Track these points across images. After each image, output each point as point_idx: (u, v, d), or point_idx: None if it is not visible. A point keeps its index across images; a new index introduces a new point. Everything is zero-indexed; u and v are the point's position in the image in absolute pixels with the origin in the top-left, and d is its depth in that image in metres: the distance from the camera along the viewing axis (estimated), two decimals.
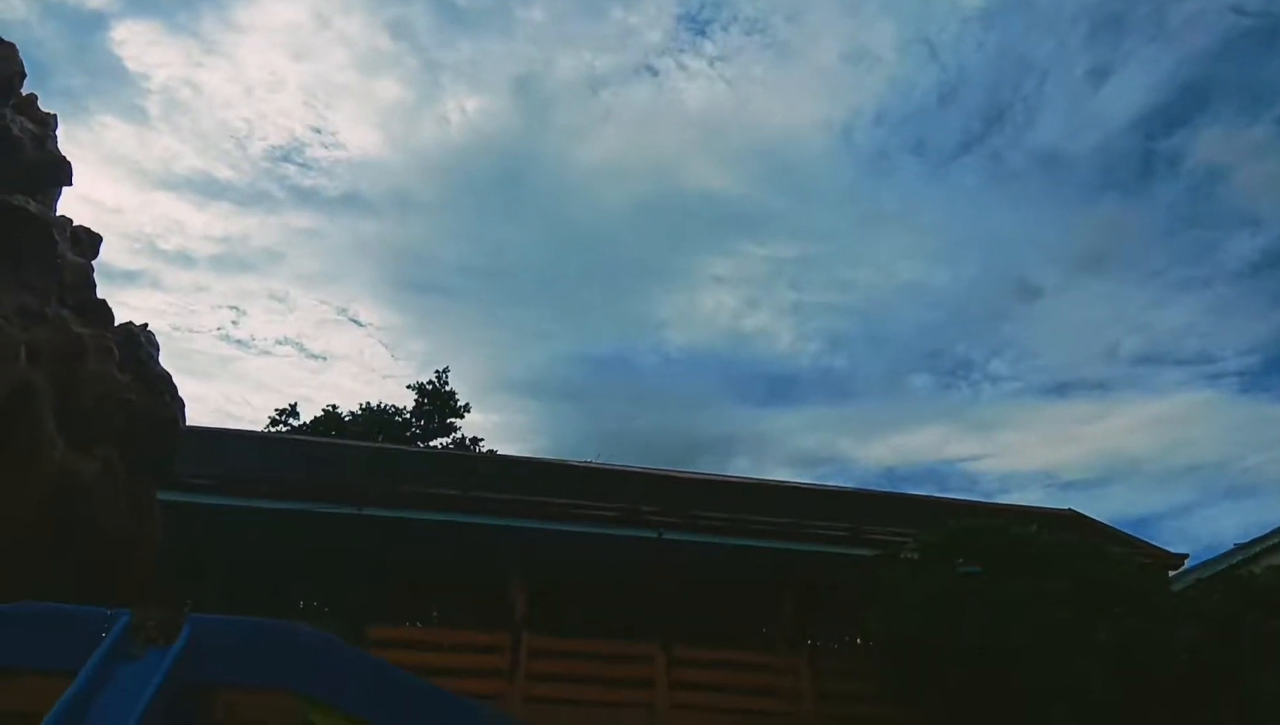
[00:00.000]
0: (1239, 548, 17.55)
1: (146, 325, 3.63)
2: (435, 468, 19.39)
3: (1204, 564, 17.08)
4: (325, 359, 59.64)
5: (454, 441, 33.82)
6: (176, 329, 51.72)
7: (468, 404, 34.94)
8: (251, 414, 68.22)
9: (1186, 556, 16.27)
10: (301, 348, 60.20)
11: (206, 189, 57.89)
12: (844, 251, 65.69)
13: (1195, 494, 62.69)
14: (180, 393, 3.72)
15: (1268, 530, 16.08)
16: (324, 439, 26.31)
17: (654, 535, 15.52)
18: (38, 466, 2.64)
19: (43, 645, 12.31)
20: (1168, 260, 61.29)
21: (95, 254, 3.39)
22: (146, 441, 3.35)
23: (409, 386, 34.77)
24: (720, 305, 63.01)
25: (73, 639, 12.19)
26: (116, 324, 3.40)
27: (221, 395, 54.59)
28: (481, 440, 34.42)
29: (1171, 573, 15.24)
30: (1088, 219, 58.36)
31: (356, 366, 58.90)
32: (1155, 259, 61.88)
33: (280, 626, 13.32)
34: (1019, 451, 61.46)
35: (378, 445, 22.62)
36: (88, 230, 3.34)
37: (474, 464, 20.91)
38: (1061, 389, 64.24)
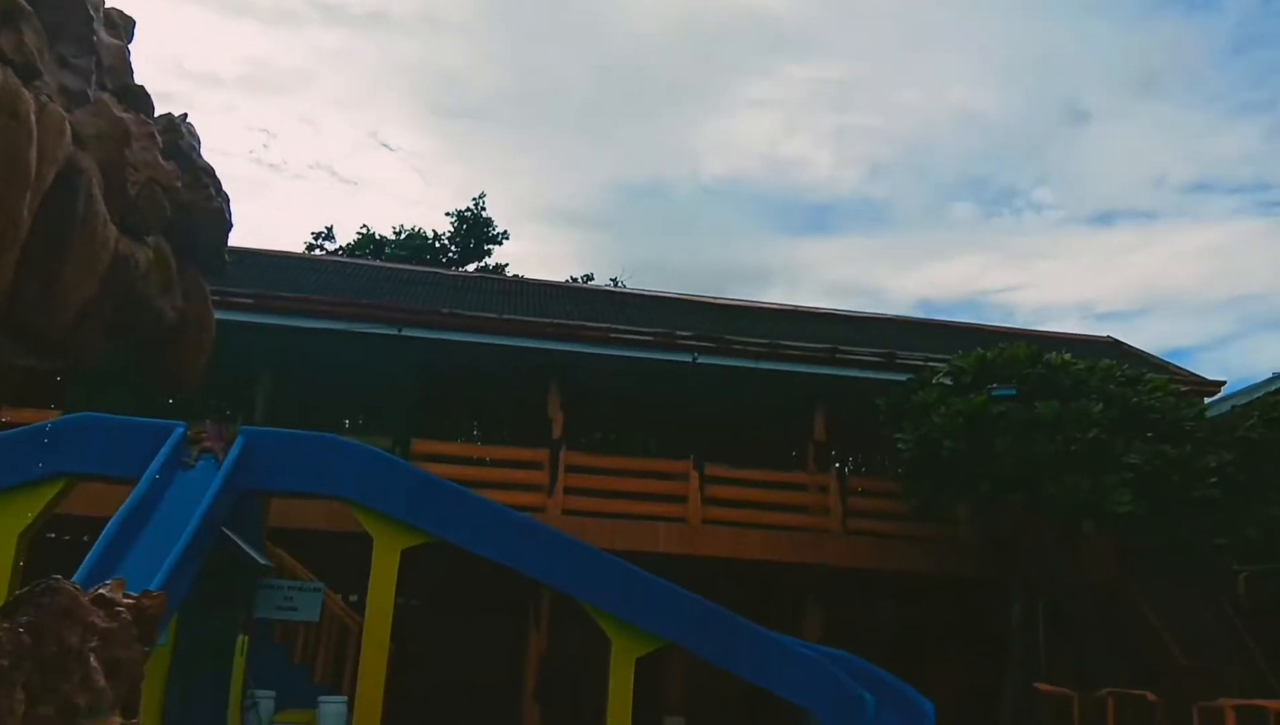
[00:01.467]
0: (1276, 376, 17.43)
1: (186, 115, 3.54)
2: (474, 291, 19.51)
3: (1240, 392, 17.03)
4: (357, 184, 59.19)
5: (489, 267, 33.91)
6: (208, 151, 51.28)
7: (505, 231, 34.82)
8: (287, 236, 68.53)
9: (1223, 383, 16.23)
10: (333, 172, 59.66)
11: (232, 4, 56.16)
12: (890, 73, 63.04)
13: (1237, 325, 61.87)
14: (225, 188, 3.67)
15: None
16: (363, 261, 26.47)
17: (689, 359, 15.67)
18: (94, 244, 2.63)
19: (105, 454, 12.82)
20: (1228, 83, 58.25)
21: (130, 38, 3.26)
22: (195, 233, 3.32)
23: (446, 213, 34.62)
24: (758, 130, 61.20)
25: (132, 448, 12.67)
26: (157, 114, 3.31)
27: (255, 217, 54.63)
28: (508, 266, 34.49)
29: (1207, 400, 15.22)
30: (1146, 37, 55.25)
31: (389, 192, 58.52)
32: (1214, 81, 58.85)
33: (329, 439, 13.75)
34: (1058, 281, 60.60)
35: (416, 268, 22.72)
36: (120, 12, 3.21)
37: (511, 287, 21.01)
38: (1106, 218, 62.63)
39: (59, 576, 2.35)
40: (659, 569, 14.05)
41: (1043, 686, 13.34)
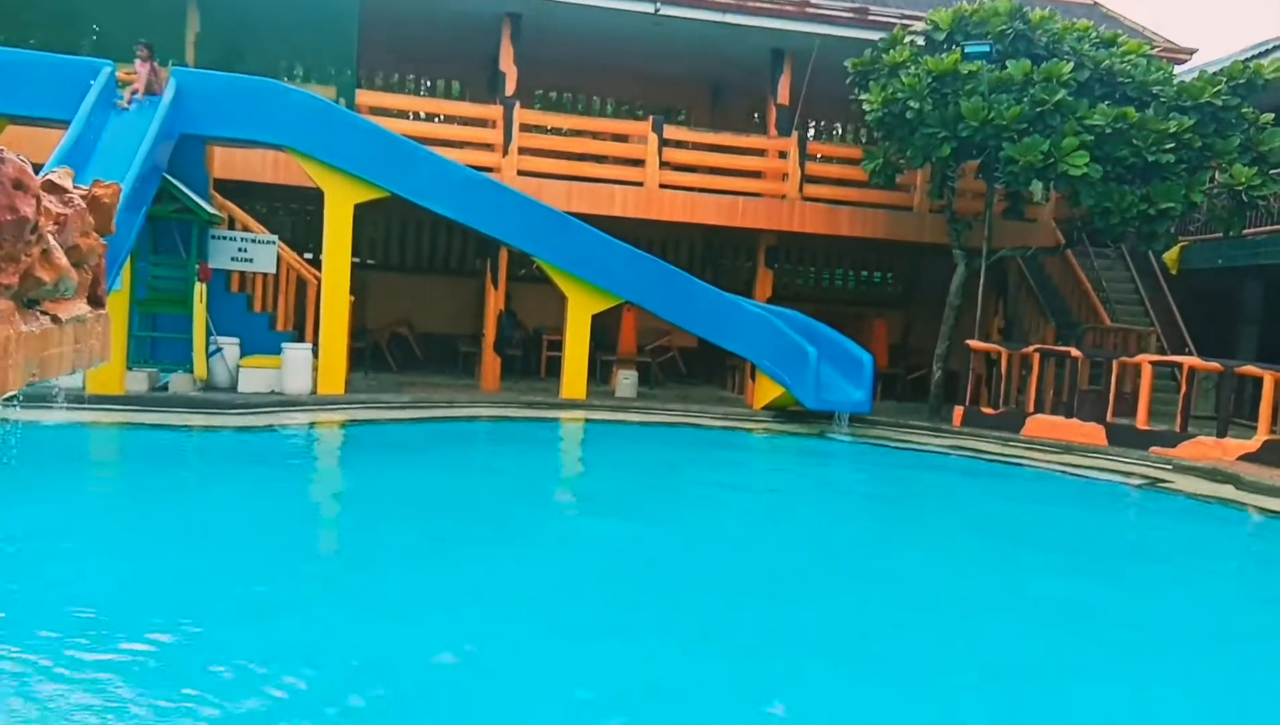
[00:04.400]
0: (1253, 46, 17.05)
1: None
2: None
3: (1212, 63, 16.70)
4: None
5: None
6: None
7: None
8: None
9: (1195, 50, 15.86)
10: None
11: None
12: None
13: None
14: None
15: None
16: None
17: (651, 9, 14.72)
18: None
19: (31, 93, 12.04)
20: None
21: None
22: None
23: None
24: None
25: (59, 87, 11.90)
26: None
27: None
28: None
29: (1177, 69, 14.89)
30: None
31: None
32: None
33: (271, 84, 13.04)
34: None
35: None
36: None
37: None
38: None
39: (3, 147, 2.19)
40: (615, 232, 14.13)
41: (974, 343, 14.12)
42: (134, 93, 11.69)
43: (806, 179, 15.69)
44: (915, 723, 4.30)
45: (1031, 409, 13.52)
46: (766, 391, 13.75)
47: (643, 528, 7.70)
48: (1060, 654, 5.31)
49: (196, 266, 12.29)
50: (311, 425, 11.16)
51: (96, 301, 2.82)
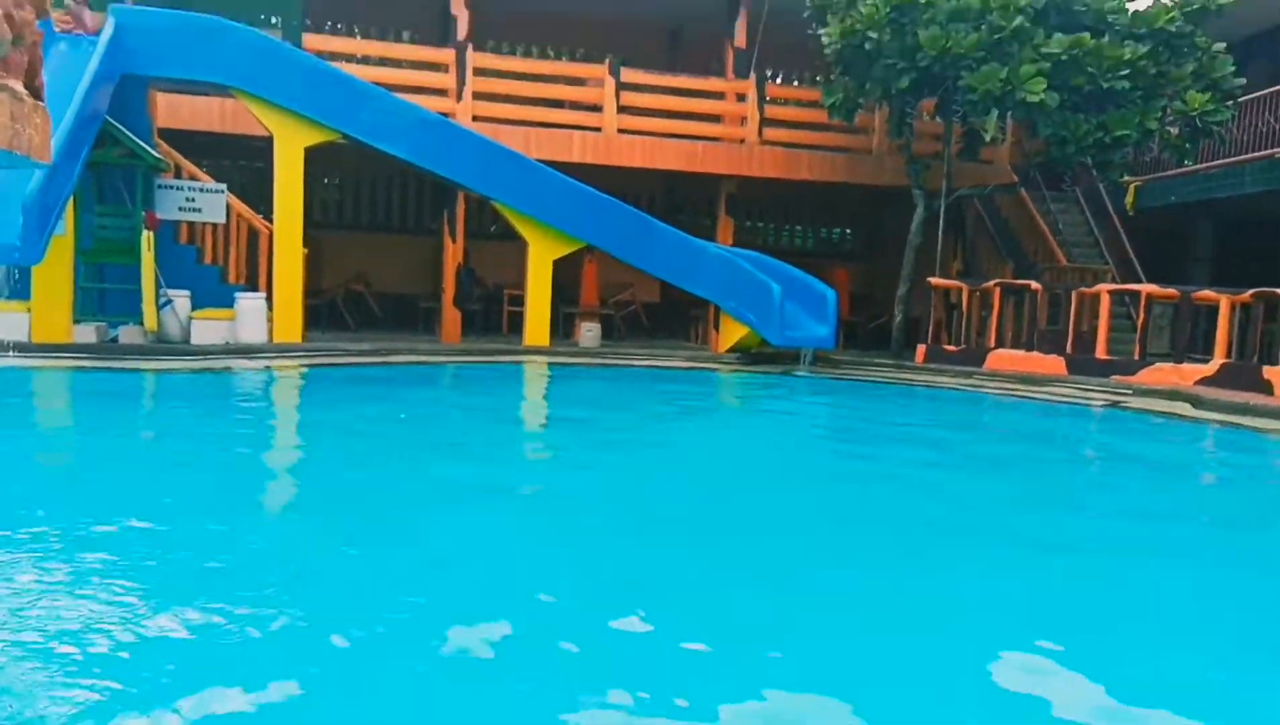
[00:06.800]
0: None
1: None
2: None
3: None
4: None
5: None
6: None
7: None
8: None
9: None
10: None
11: None
12: None
13: None
14: None
15: None
16: None
17: None
18: None
19: None
20: None
21: None
22: None
23: None
24: None
25: None
26: None
27: None
28: None
29: (1131, 4, 15.01)
30: None
31: None
32: None
33: (214, 21, 12.56)
34: None
35: None
36: None
37: None
38: None
39: None
40: (574, 178, 13.94)
41: (935, 280, 14.17)
42: (65, 32, 11.23)
43: (766, 122, 15.61)
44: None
45: (993, 344, 13.61)
46: (730, 334, 13.68)
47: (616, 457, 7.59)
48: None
49: (143, 214, 11.89)
50: (268, 368, 10.87)
51: (35, 92, 2.61)
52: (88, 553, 3.89)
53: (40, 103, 2.63)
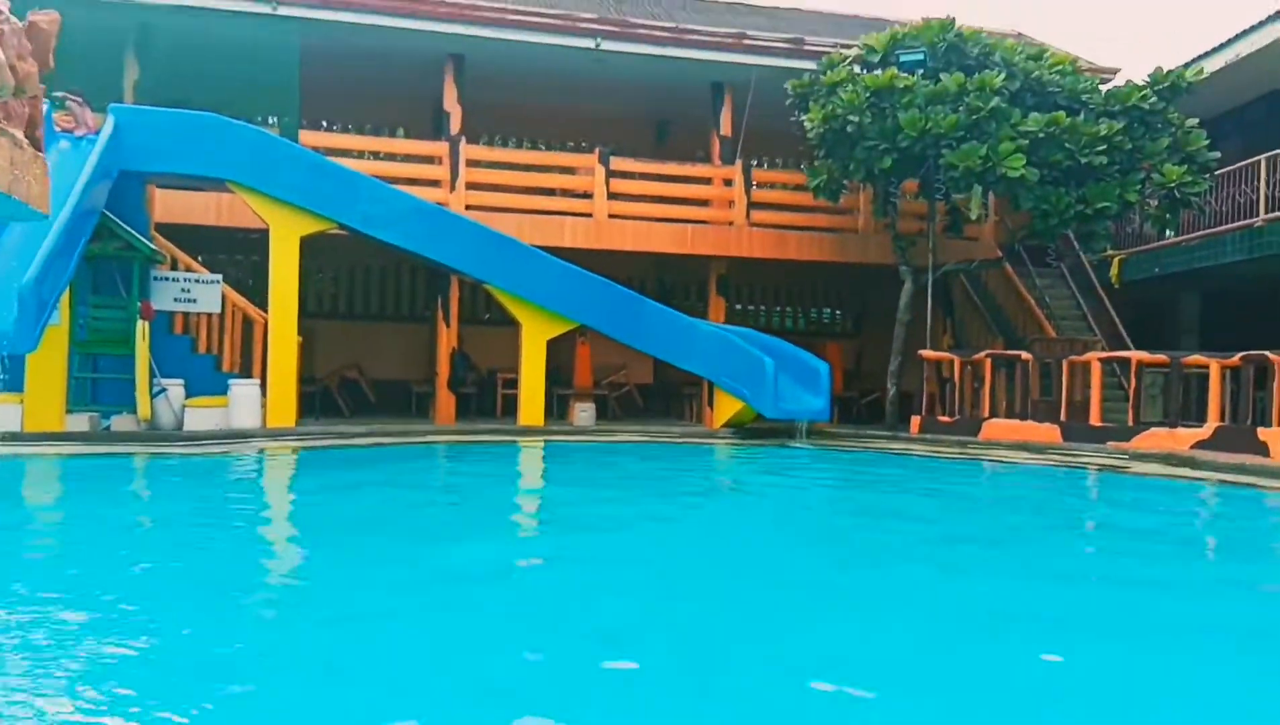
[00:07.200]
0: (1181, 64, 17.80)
1: None
2: None
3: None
4: None
5: None
6: None
7: None
8: None
9: (1118, 70, 16.53)
10: None
11: None
12: None
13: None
14: None
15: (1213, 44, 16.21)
16: None
17: (592, 45, 15.00)
18: None
19: None
20: None
21: None
22: None
23: None
24: None
25: None
26: None
27: None
28: None
29: (1103, 84, 15.51)
30: None
31: None
32: None
33: (211, 118, 12.88)
34: None
35: None
36: None
37: None
38: None
39: None
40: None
41: (926, 353, 14.26)
42: (64, 131, 11.49)
43: (753, 205, 15.92)
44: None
45: (987, 414, 13.63)
46: (725, 410, 13.69)
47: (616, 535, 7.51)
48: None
49: (138, 305, 11.98)
50: (261, 451, 10.81)
51: (35, 144, 2.68)
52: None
53: (40, 154, 2.70)
